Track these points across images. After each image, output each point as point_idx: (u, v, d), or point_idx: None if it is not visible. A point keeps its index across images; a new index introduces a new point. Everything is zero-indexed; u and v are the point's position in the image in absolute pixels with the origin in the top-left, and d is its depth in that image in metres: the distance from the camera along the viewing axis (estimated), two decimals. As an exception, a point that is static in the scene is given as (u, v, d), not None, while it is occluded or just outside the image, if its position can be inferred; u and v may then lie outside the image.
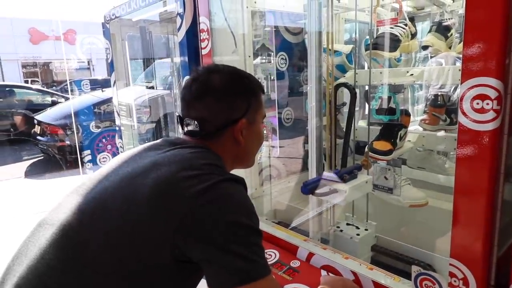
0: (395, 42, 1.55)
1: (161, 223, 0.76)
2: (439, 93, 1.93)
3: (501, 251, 0.92)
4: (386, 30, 1.58)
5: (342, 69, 1.74)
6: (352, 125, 1.57)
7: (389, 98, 1.59)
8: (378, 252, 1.47)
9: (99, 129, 4.81)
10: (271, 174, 2.12)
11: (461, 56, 0.84)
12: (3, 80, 15.87)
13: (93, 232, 0.78)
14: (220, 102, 0.92)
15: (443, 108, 1.88)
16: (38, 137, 5.82)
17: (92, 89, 5.80)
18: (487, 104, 0.81)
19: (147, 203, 0.77)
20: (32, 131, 6.12)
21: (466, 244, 0.91)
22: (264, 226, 1.57)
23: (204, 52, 1.60)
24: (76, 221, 0.79)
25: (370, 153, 1.49)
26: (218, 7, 1.59)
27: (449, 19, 1.82)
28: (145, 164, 0.86)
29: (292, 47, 2.16)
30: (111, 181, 0.85)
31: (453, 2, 1.93)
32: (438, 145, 1.73)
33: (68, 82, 5.48)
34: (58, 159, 5.43)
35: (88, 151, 4.37)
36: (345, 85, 1.53)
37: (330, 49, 1.55)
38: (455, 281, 0.92)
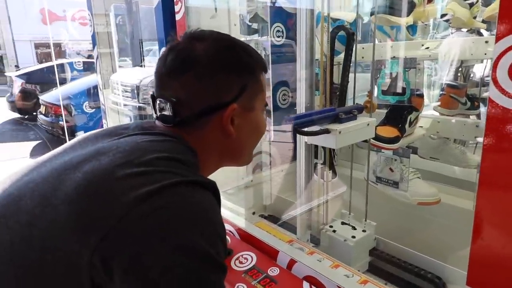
0: (408, 5, 1.27)
1: (79, 236, 0.52)
2: (459, 72, 1.66)
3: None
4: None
5: (344, 40, 1.47)
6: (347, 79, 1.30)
7: (398, 75, 1.33)
8: (377, 257, 1.23)
9: (96, 109, 4.68)
10: (263, 161, 1.89)
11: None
12: (17, 62, 15.95)
13: None
14: (202, 80, 0.68)
15: (463, 90, 1.60)
16: (43, 117, 5.72)
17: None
18: (534, 71, 0.54)
19: (67, 205, 0.54)
20: (38, 111, 6.03)
21: (490, 265, 0.66)
22: (243, 222, 1.35)
23: (178, 17, 1.35)
24: None
25: (372, 140, 1.24)
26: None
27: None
28: (87, 152, 0.62)
29: (291, 17, 1.88)
30: (38, 173, 0.62)
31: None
32: (455, 132, 1.46)
33: (54, 63, 5.31)
34: (63, 139, 5.35)
35: (82, 132, 4.23)
36: (342, 27, 1.27)
37: (326, 16, 1.29)
38: (472, 316, 0.68)
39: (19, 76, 7.48)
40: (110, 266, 0.50)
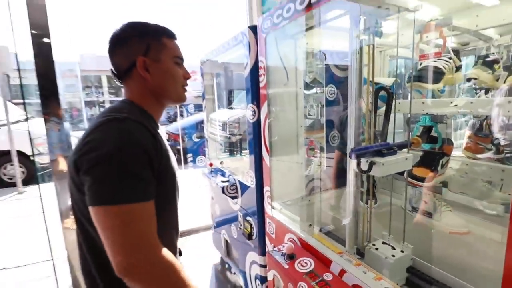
0: (438, 74, 1.18)
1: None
2: (484, 123, 1.47)
3: None
4: (430, 63, 1.22)
5: (384, 99, 1.40)
6: (387, 128, 1.23)
7: (430, 128, 1.22)
8: (414, 274, 1.10)
9: (201, 139, 5.00)
10: (320, 186, 1.84)
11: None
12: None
13: None
14: (122, 47, 0.79)
15: (488, 138, 1.41)
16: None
17: (200, 110, 6.10)
18: None
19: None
20: (166, 138, 6.63)
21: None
22: (303, 233, 1.31)
23: (261, 85, 1.42)
24: None
25: (409, 179, 1.14)
26: (275, 48, 1.39)
27: (495, 53, 1.37)
28: None
29: (340, 80, 1.86)
30: None
31: (501, 37, 1.46)
32: (482, 174, 1.28)
33: (177, 107, 5.81)
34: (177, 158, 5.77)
35: (191, 154, 4.54)
36: (383, 88, 1.21)
37: (371, 81, 1.25)
38: None
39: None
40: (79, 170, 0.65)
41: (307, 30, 1.32)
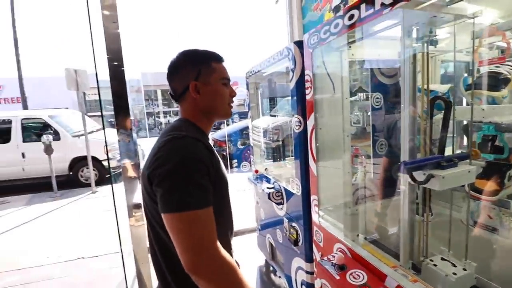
0: (503, 80, 1.05)
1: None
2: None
3: None
4: (492, 69, 1.09)
5: (439, 107, 1.29)
6: (446, 139, 1.11)
7: (493, 137, 1.08)
8: (479, 295, 0.98)
9: (244, 145, 5.09)
10: (365, 194, 1.75)
11: None
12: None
13: None
14: (177, 74, 0.85)
15: None
16: (211, 148, 6.48)
17: (244, 118, 6.23)
18: None
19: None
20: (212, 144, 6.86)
21: None
22: (353, 245, 1.25)
23: (308, 97, 1.40)
24: None
25: (472, 192, 1.02)
26: (321, 61, 1.37)
27: None
28: None
29: (387, 88, 1.75)
30: None
31: None
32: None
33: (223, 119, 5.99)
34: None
35: (236, 160, 4.64)
36: (440, 97, 1.10)
37: (425, 89, 1.16)
38: None
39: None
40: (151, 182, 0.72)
41: (353, 42, 1.28)
